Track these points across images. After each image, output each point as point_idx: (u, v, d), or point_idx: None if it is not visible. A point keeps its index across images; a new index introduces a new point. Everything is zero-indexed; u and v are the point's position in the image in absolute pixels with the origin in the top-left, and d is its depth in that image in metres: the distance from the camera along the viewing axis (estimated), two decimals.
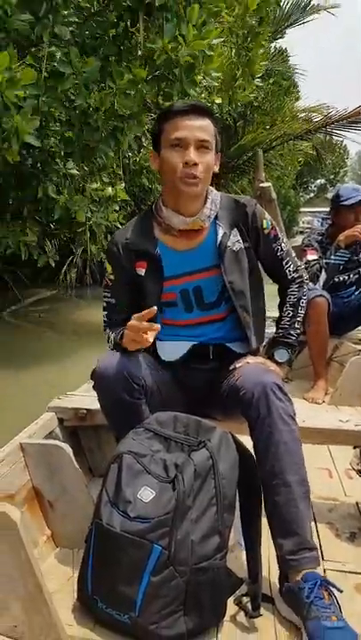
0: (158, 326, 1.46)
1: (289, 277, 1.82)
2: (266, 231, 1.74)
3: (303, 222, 23.65)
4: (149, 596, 1.21)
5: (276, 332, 1.81)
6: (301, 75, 15.17)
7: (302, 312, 1.81)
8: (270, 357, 1.76)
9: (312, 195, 30.96)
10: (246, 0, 5.40)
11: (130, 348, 1.52)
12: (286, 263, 1.80)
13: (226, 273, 1.66)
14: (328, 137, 11.55)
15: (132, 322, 1.49)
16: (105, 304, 1.75)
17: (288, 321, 1.81)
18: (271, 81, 10.59)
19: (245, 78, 5.92)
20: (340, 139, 13.58)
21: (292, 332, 1.80)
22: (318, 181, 29.25)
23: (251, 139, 10.33)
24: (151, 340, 1.45)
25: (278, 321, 1.84)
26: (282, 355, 1.77)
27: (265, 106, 10.85)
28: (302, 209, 27.43)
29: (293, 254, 1.82)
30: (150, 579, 1.21)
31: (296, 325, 1.81)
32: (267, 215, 1.76)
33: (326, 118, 10.28)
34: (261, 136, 10.39)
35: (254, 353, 1.80)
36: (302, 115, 11.09)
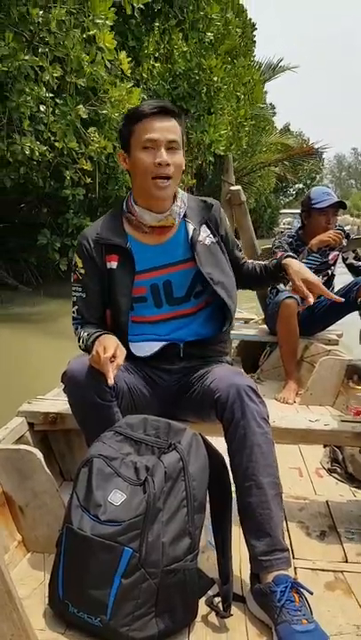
0: (119, 362, 1.47)
1: (244, 261, 1.93)
2: (228, 229, 1.85)
3: (284, 223, 26.52)
4: (120, 599, 1.21)
5: (270, 261, 1.89)
6: (273, 115, 22.18)
7: None
8: (287, 257, 1.83)
9: (291, 198, 33.36)
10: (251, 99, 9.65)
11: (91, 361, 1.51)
12: (241, 253, 1.93)
13: (202, 265, 1.70)
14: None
15: (100, 350, 1.48)
16: (75, 299, 1.75)
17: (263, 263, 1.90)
18: (252, 122, 12.64)
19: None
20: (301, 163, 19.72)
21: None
22: (297, 185, 31.59)
23: (237, 165, 13.37)
24: (111, 379, 1.44)
25: (255, 269, 1.91)
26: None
27: (248, 139, 13.27)
28: (283, 210, 30.55)
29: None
30: (121, 581, 1.21)
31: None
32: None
33: (288, 152, 15.79)
34: (245, 163, 14.38)
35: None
36: (272, 146, 15.87)
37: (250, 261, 1.94)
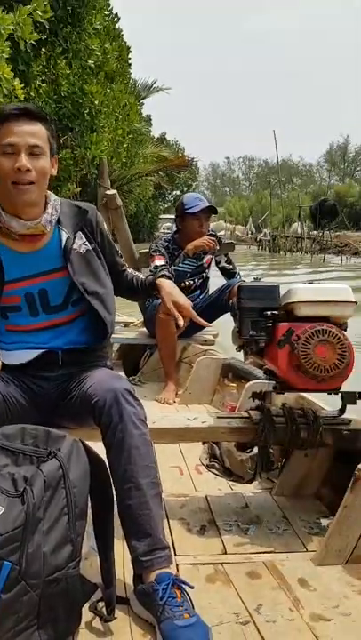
0: None
1: (124, 269, 1.94)
2: (107, 234, 1.84)
3: (164, 228, 28.18)
4: (1, 615, 1.17)
5: (145, 276, 1.93)
6: (149, 127, 24.68)
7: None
8: (162, 277, 1.87)
9: (169, 204, 35.06)
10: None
11: None
12: (122, 259, 1.94)
13: (75, 274, 1.67)
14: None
15: None
16: None
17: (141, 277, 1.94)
18: (130, 136, 14.46)
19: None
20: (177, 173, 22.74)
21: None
22: (175, 192, 33.09)
23: (117, 174, 14.50)
24: None
25: (132, 282, 1.94)
26: (166, 273, 1.91)
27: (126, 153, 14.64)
28: (162, 216, 33.04)
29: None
30: (1, 597, 1.18)
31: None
32: (103, 220, 1.86)
33: (163, 164, 17.81)
34: (125, 173, 15.42)
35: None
36: (149, 157, 17.82)
37: (130, 271, 1.94)
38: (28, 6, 6.33)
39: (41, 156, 1.59)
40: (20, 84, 5.56)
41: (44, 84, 8.85)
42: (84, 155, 9.42)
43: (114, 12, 13.45)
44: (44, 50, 8.56)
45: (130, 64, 15.40)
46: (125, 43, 14.95)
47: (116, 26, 13.82)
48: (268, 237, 34.98)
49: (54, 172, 1.67)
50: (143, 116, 20.70)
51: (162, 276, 1.86)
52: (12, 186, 1.57)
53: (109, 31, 12.54)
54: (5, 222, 1.62)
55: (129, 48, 15.14)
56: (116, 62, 12.51)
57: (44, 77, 8.88)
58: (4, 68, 5.65)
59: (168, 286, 1.82)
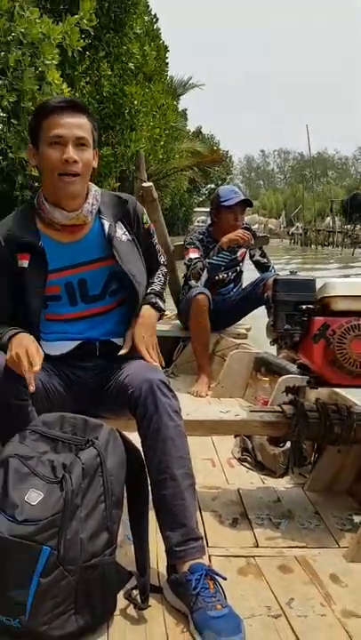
0: (37, 369, 1.45)
1: (161, 261, 1.96)
2: (146, 225, 1.84)
3: (198, 221, 28.83)
4: (39, 599, 1.21)
5: (151, 289, 1.87)
6: (185, 121, 25.56)
7: (166, 283, 1.95)
8: (152, 305, 1.81)
9: (204, 197, 36.17)
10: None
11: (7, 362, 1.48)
12: (159, 252, 1.94)
13: (123, 261, 1.69)
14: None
15: (20, 351, 1.46)
16: None
17: (161, 284, 1.90)
18: (166, 132, 14.92)
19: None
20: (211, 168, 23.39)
21: (162, 292, 1.90)
22: (209, 186, 34.34)
23: (154, 169, 15.14)
24: (33, 386, 1.44)
25: (150, 284, 1.89)
26: (161, 304, 1.85)
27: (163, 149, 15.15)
28: (196, 209, 33.86)
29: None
30: (40, 581, 1.21)
31: (164, 289, 1.93)
32: (145, 211, 1.86)
33: (197, 159, 18.92)
34: (160, 168, 15.82)
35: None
36: (183, 153, 17.78)
37: (157, 275, 1.92)
38: (76, 16, 7.31)
39: (86, 147, 1.62)
40: (67, 86, 6.12)
41: (88, 85, 9.53)
42: (124, 152, 10.03)
43: (152, 12, 14.55)
44: (87, 53, 9.20)
45: (167, 63, 16.38)
46: (163, 42, 15.94)
47: (155, 26, 14.80)
48: (300, 231, 34.72)
49: (95, 164, 1.69)
50: (179, 110, 21.75)
51: (154, 304, 1.81)
52: (59, 177, 1.59)
53: (148, 32, 13.51)
54: (48, 213, 1.65)
55: (166, 47, 16.08)
56: (154, 62, 13.49)
57: (87, 79, 9.54)
58: (54, 74, 6.53)
59: (144, 317, 1.77)
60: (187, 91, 20.26)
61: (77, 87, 8.62)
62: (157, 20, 15.00)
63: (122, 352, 1.71)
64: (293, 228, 37.64)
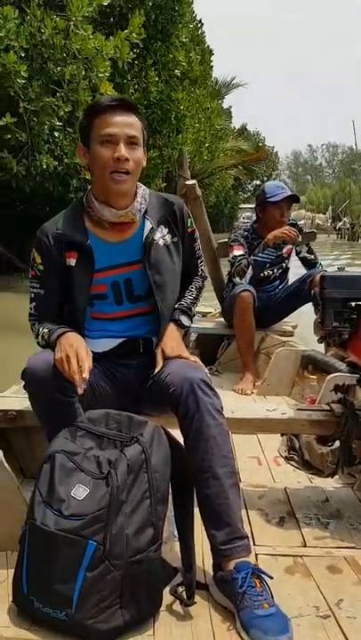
0: (86, 376, 1.45)
1: (199, 272, 1.94)
2: (190, 229, 1.83)
3: (243, 217, 28.59)
4: (86, 592, 1.22)
5: (179, 304, 1.83)
6: (229, 118, 26.65)
7: (200, 296, 1.93)
8: (176, 322, 1.78)
9: (249, 194, 36.40)
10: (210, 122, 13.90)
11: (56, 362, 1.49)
12: (200, 260, 1.92)
13: (150, 267, 1.69)
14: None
15: (70, 353, 1.47)
16: (32, 295, 1.73)
17: (191, 298, 1.87)
18: (211, 132, 15.88)
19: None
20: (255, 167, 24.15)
21: (192, 307, 1.87)
22: (255, 182, 34.33)
23: (199, 169, 15.60)
24: (82, 389, 1.45)
25: (181, 297, 1.86)
26: (186, 320, 1.81)
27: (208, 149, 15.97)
28: (242, 205, 34.25)
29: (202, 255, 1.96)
30: (86, 574, 1.22)
31: (195, 303, 1.89)
32: (190, 214, 1.85)
33: (241, 158, 19.75)
34: (205, 167, 16.53)
35: (185, 346, 1.84)
36: (228, 152, 19.01)
37: (190, 289, 1.89)
38: (125, 31, 8.24)
39: (137, 146, 1.63)
40: (117, 94, 6.80)
41: (137, 92, 10.41)
42: (170, 154, 10.71)
43: (197, 18, 15.47)
44: (136, 62, 10.06)
45: (211, 66, 17.19)
46: (208, 46, 16.66)
47: (199, 31, 15.68)
48: (348, 226, 34.11)
49: (144, 163, 1.70)
50: (224, 108, 23.17)
51: (177, 321, 1.77)
52: (110, 175, 1.61)
53: (193, 37, 14.28)
54: (97, 211, 1.67)
55: (211, 51, 16.73)
56: (199, 67, 14.38)
57: (136, 86, 10.48)
58: (107, 86, 7.29)
59: (167, 336, 1.73)
60: (231, 91, 22.06)
61: (127, 94, 9.42)
62: (202, 24, 15.74)
63: (156, 370, 1.69)
64: (341, 223, 37.23)
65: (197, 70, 13.77)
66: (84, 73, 7.33)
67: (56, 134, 8.22)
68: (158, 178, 10.38)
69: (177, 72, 11.47)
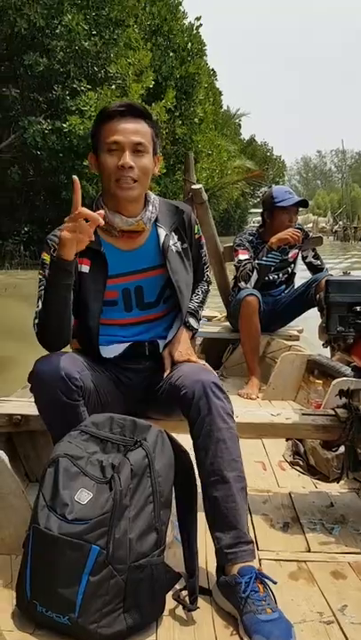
0: (101, 220, 1.43)
1: (205, 277, 1.98)
2: (197, 236, 1.86)
3: (254, 222, 31.16)
4: (89, 596, 1.22)
5: (187, 308, 1.85)
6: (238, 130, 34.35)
7: (206, 300, 1.99)
8: (184, 324, 1.81)
9: (258, 199, 39.05)
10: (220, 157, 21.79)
11: (67, 247, 1.44)
12: (206, 265, 1.96)
13: (172, 272, 1.71)
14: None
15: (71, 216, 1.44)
16: (41, 295, 1.71)
17: (198, 302, 1.92)
18: (221, 163, 22.18)
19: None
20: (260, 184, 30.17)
21: (200, 310, 1.92)
22: (263, 188, 36.76)
23: (211, 184, 20.30)
24: (92, 233, 1.43)
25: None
26: (194, 323, 1.85)
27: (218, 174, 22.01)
28: (252, 210, 38.64)
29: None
30: (89, 579, 1.22)
31: (202, 307, 1.95)
32: (198, 222, 1.89)
33: (244, 175, 24.83)
34: (216, 183, 21.37)
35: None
36: (235, 169, 24.23)
37: (197, 292, 1.94)
38: (162, 101, 13.51)
39: (144, 153, 1.62)
40: None
41: (167, 135, 14.77)
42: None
43: (211, 69, 21.19)
44: (167, 116, 15.00)
45: (221, 106, 21.77)
46: (218, 89, 21.51)
47: (212, 79, 20.54)
48: (340, 228, 37.42)
49: (157, 170, 1.69)
50: (232, 127, 30.18)
51: (186, 324, 1.80)
52: (116, 183, 1.61)
53: (207, 85, 19.96)
54: (108, 219, 1.65)
55: (220, 93, 21.44)
56: (211, 115, 20.45)
57: (166, 130, 15.25)
58: None
59: (177, 338, 1.77)
60: (236, 119, 28.70)
61: (161, 136, 11.88)
62: (215, 73, 20.47)
63: (165, 374, 1.70)
64: (336, 226, 40.08)
65: (210, 117, 20.18)
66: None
67: None
68: (180, 199, 13.21)
69: (195, 120, 17.65)
